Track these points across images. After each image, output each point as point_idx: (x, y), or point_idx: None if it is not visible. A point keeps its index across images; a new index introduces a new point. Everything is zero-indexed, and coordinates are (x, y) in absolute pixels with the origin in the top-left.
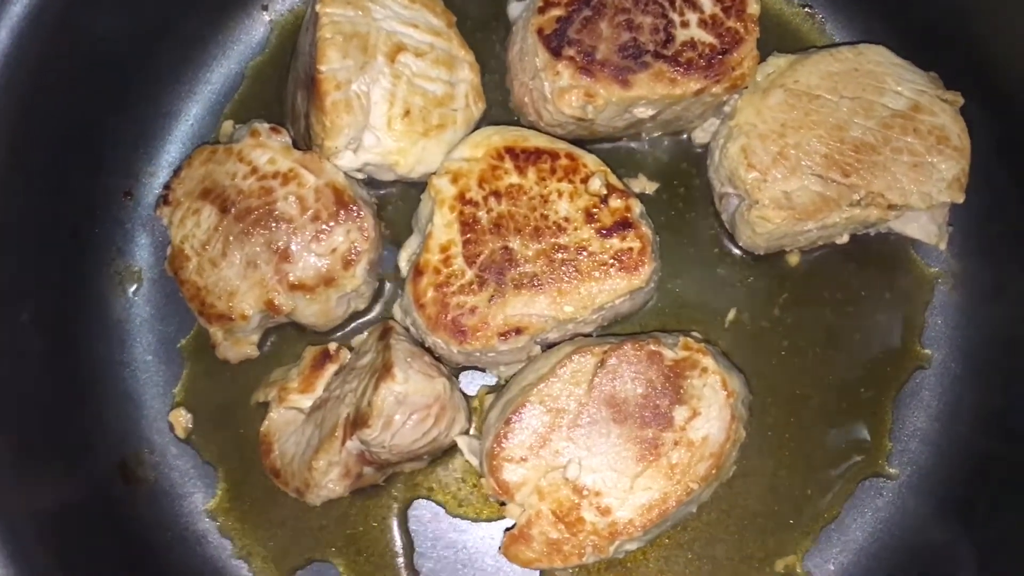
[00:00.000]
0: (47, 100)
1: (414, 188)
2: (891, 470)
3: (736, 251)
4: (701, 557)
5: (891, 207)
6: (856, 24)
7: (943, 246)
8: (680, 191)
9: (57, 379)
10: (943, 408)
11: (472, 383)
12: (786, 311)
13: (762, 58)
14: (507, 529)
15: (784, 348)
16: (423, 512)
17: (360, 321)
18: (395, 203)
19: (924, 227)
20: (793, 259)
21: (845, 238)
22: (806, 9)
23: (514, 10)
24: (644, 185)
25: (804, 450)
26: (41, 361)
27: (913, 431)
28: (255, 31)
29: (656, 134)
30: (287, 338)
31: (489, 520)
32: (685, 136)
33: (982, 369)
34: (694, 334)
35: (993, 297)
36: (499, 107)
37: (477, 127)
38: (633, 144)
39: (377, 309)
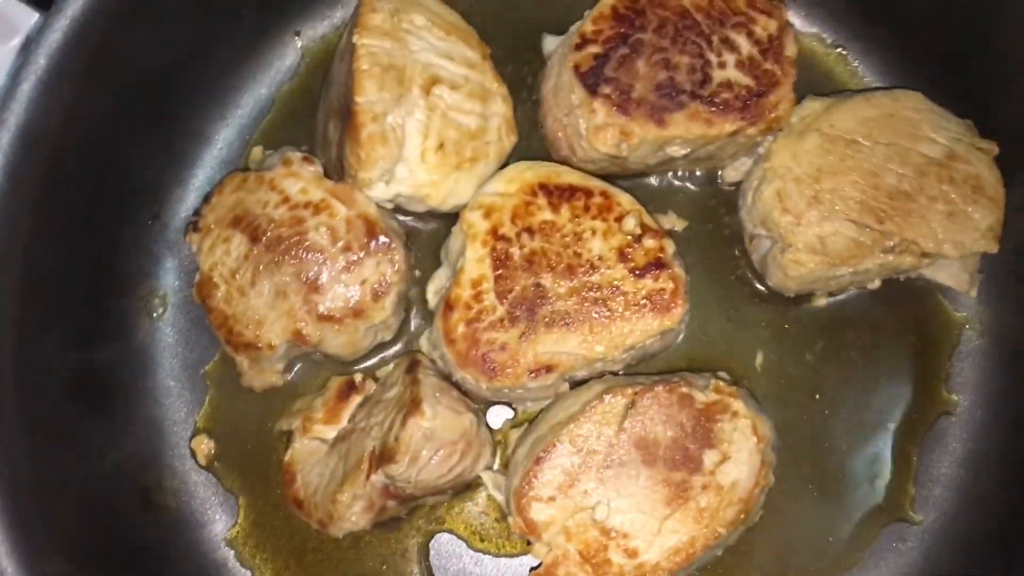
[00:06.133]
0: (81, 123)
1: (442, 219)
2: (914, 516)
3: (763, 291)
4: None
5: (924, 255)
6: (889, 67)
7: (973, 293)
8: (708, 228)
9: (80, 405)
10: (968, 454)
11: (497, 417)
12: (813, 353)
13: (796, 100)
14: (532, 568)
15: (809, 391)
16: (444, 546)
17: (386, 353)
18: (422, 234)
19: (955, 275)
20: (820, 301)
21: (877, 283)
22: (839, 50)
23: (549, 44)
24: (673, 222)
25: (827, 494)
26: (64, 387)
27: (937, 477)
28: (286, 57)
29: (687, 171)
30: (312, 367)
31: (510, 555)
32: (716, 173)
33: (1008, 416)
34: (722, 375)
35: (1021, 343)
36: (529, 140)
37: (508, 160)
38: (662, 180)
39: (402, 340)
